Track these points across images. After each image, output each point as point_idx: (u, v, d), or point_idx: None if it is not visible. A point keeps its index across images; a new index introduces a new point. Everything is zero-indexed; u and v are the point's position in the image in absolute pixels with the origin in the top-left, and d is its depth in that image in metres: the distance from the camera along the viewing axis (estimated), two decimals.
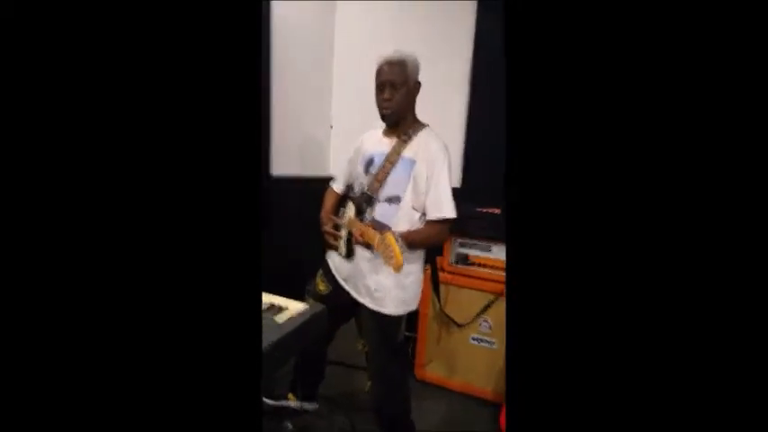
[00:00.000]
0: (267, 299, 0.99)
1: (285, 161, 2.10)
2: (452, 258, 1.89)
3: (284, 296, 1.52)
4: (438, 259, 1.89)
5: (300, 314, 0.90)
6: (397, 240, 1.06)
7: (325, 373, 1.71)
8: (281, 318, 0.88)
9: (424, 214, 1.31)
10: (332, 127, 2.45)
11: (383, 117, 1.33)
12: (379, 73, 1.30)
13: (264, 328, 0.82)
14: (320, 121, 2.38)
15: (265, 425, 1.63)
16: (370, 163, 1.38)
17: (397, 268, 1.02)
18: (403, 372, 1.53)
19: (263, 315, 0.88)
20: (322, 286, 1.49)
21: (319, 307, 0.95)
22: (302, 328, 0.86)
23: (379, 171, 1.32)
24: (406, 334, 1.97)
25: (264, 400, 1.67)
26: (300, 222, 1.92)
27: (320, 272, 1.51)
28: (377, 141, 1.40)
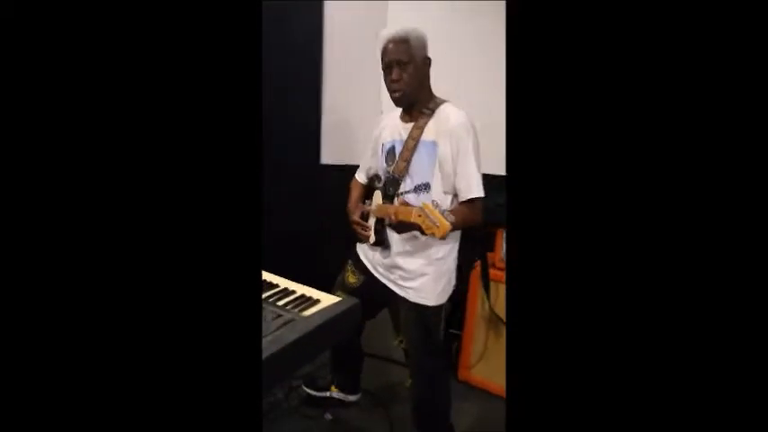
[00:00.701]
0: (300, 290, 0.92)
1: (335, 150, 2.06)
2: (504, 254, 1.74)
3: (330, 283, 1.49)
4: (489, 255, 1.75)
5: (331, 308, 0.83)
6: (436, 207, 0.98)
7: (362, 365, 1.65)
8: (309, 311, 0.82)
9: (455, 196, 1.20)
10: (382, 112, 2.37)
11: (395, 101, 1.22)
12: (384, 53, 1.19)
13: (290, 322, 0.76)
14: (370, 110, 2.31)
15: (307, 414, 1.60)
16: (391, 152, 1.28)
17: (443, 234, 0.96)
18: (445, 370, 1.42)
19: (290, 308, 0.82)
20: (352, 278, 1.40)
21: (352, 301, 0.87)
22: (332, 323, 0.78)
23: (400, 158, 1.22)
24: (453, 331, 1.87)
25: (307, 390, 1.64)
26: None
27: (350, 262, 1.43)
28: (395, 128, 1.29)
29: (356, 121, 2.20)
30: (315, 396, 1.63)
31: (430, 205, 1.00)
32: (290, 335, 0.70)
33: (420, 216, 1.00)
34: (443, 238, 1.00)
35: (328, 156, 2.01)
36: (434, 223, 0.96)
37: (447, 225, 0.96)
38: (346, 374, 1.62)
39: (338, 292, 1.41)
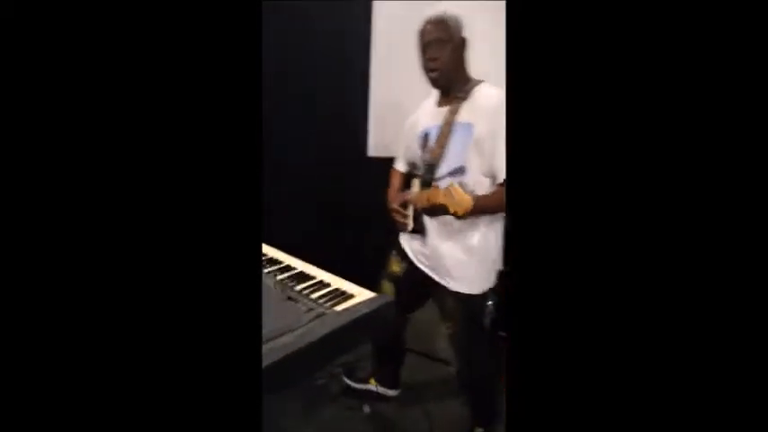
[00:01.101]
0: (336, 283, 0.90)
1: (384, 142, 2.03)
2: None
3: (375, 276, 1.47)
4: None
5: (363, 304, 0.80)
6: (463, 187, 0.98)
7: (404, 359, 1.62)
8: (341, 306, 0.79)
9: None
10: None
11: (432, 81, 1.19)
12: (422, 34, 1.17)
13: (321, 316, 0.74)
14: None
15: (345, 404, 1.60)
16: (425, 140, 1.23)
17: (464, 211, 0.97)
18: (493, 359, 1.34)
19: (323, 302, 0.80)
20: (396, 266, 1.39)
21: (386, 298, 0.83)
22: (362, 320, 0.75)
23: (435, 144, 1.18)
24: (502, 334, 1.78)
25: (346, 380, 1.64)
26: None
27: (393, 252, 1.42)
28: (430, 114, 1.25)
29: (406, 114, 2.16)
30: (353, 387, 1.63)
31: (456, 185, 0.98)
32: (320, 329, 0.68)
33: (446, 196, 0.98)
34: (464, 215, 0.98)
35: (376, 148, 1.98)
36: (458, 202, 0.95)
37: (468, 200, 0.94)
38: (387, 369, 1.59)
39: (385, 282, 1.42)
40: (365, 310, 0.77)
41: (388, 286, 1.41)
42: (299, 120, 1.68)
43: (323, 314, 0.74)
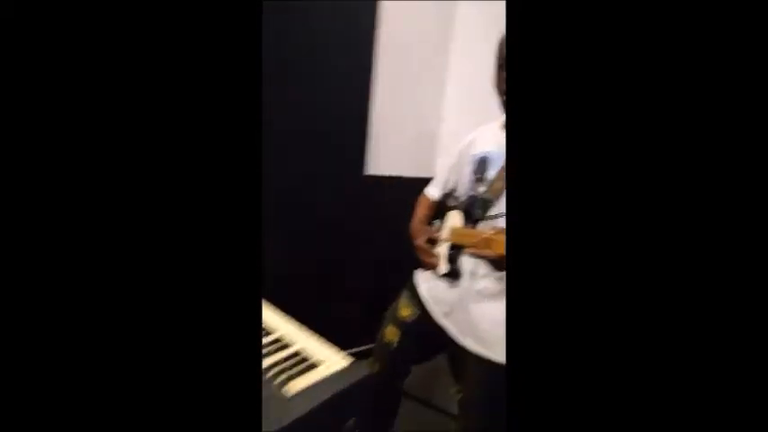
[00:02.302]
0: (299, 343, 0.69)
1: (389, 160, 1.84)
2: None
3: (376, 313, 1.25)
4: None
5: (328, 383, 0.58)
6: None
7: (398, 411, 1.38)
8: (299, 382, 0.58)
9: None
10: (442, 119, 2.09)
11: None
12: (501, 49, 0.95)
13: (264, 404, 0.53)
14: (428, 116, 2.06)
15: None
16: (482, 164, 0.99)
17: None
18: None
19: (275, 373, 0.59)
20: (405, 311, 1.15)
21: (361, 372, 0.62)
22: (323, 409, 0.54)
23: (498, 175, 0.94)
24: None
25: None
26: (396, 230, 1.66)
27: (405, 293, 1.18)
28: (493, 136, 1.01)
29: (410, 129, 1.96)
30: None
31: None
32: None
33: None
34: None
35: (376, 166, 1.78)
36: None
37: None
38: (376, 420, 1.36)
39: (389, 326, 1.19)
40: (330, 393, 0.55)
41: (392, 331, 1.17)
42: (291, 133, 1.49)
43: (269, 398, 0.53)
